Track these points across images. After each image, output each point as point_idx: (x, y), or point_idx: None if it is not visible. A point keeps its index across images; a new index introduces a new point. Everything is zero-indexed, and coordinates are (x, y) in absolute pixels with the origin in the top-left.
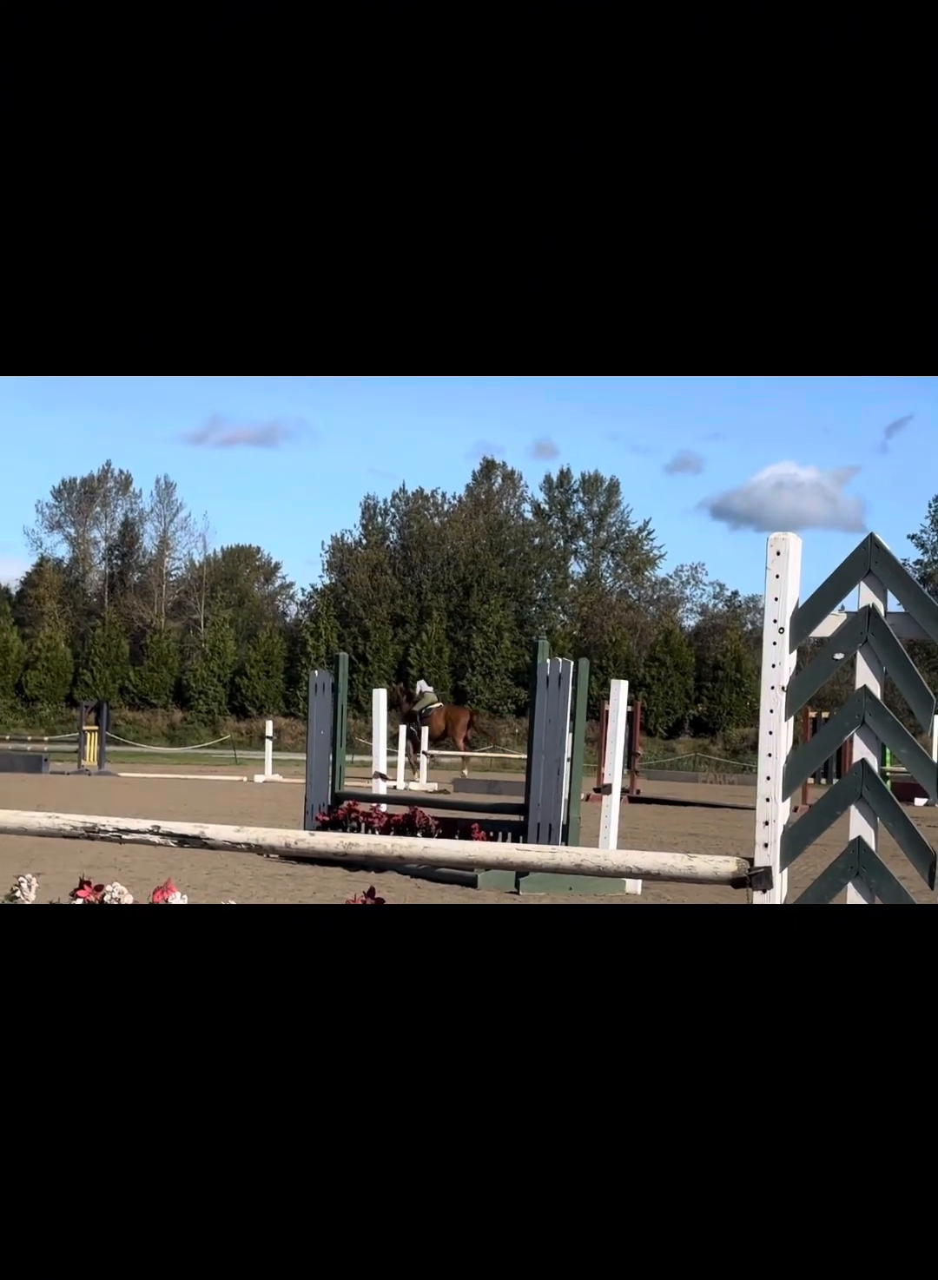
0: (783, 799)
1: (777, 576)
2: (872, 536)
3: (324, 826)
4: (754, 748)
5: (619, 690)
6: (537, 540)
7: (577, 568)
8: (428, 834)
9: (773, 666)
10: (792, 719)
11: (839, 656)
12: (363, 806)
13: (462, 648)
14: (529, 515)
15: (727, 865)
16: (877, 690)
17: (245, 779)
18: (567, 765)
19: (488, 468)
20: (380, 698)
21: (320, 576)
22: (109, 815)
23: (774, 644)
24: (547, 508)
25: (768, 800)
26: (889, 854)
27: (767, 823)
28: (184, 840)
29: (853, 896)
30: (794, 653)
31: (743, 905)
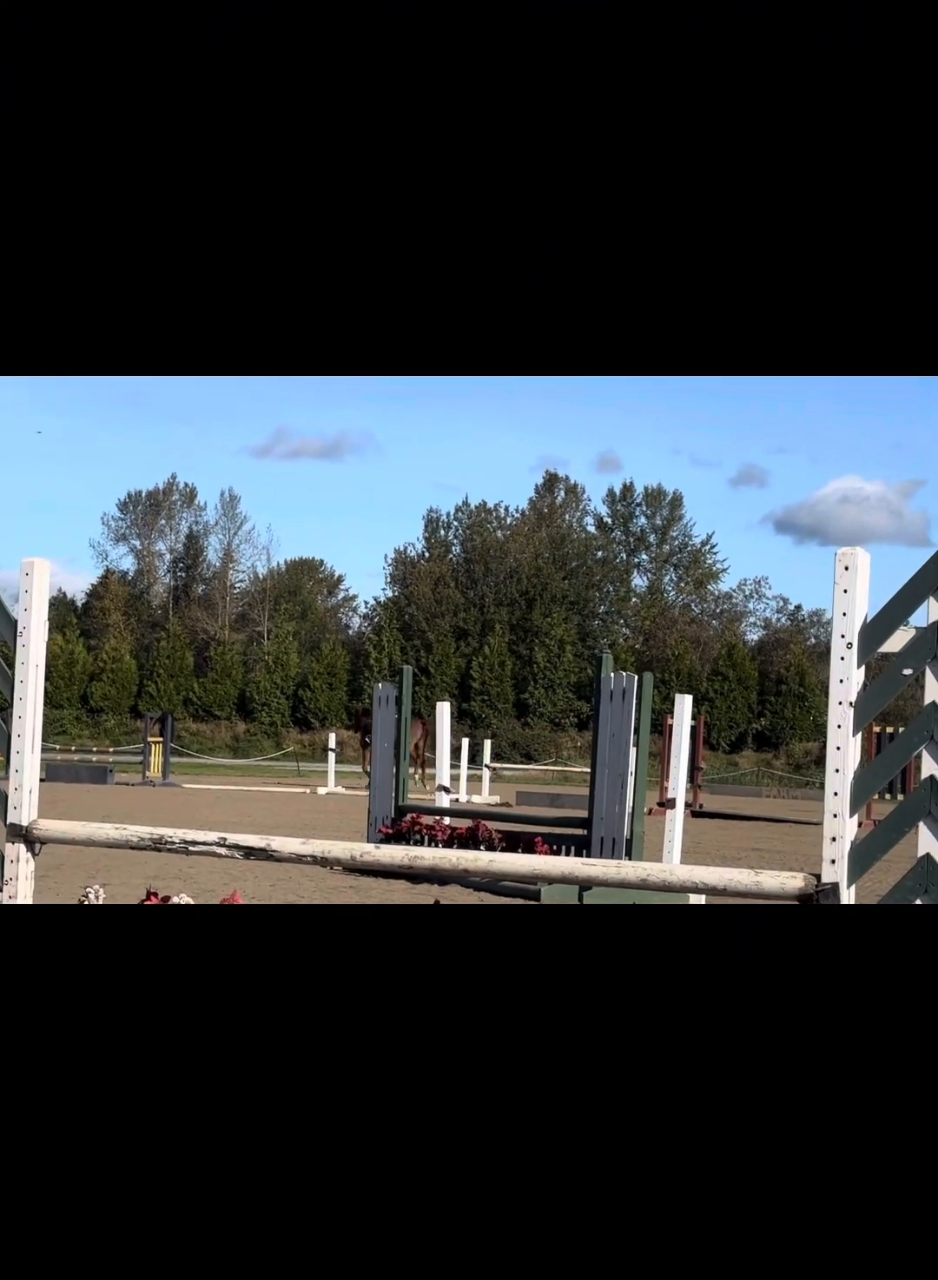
0: (851, 815)
1: (845, 591)
2: None
3: (388, 839)
4: (817, 762)
5: (683, 704)
6: (599, 554)
7: (639, 581)
8: (491, 847)
9: (841, 682)
10: (859, 734)
11: (908, 672)
12: (426, 819)
13: (524, 661)
14: (592, 529)
15: (794, 881)
16: None
17: (308, 791)
18: (630, 779)
19: (551, 481)
20: (444, 710)
21: (383, 589)
22: (175, 827)
23: (842, 659)
24: (610, 521)
25: (835, 816)
26: None
27: (834, 839)
28: (250, 852)
29: None
30: (862, 668)
31: (774, 905)
